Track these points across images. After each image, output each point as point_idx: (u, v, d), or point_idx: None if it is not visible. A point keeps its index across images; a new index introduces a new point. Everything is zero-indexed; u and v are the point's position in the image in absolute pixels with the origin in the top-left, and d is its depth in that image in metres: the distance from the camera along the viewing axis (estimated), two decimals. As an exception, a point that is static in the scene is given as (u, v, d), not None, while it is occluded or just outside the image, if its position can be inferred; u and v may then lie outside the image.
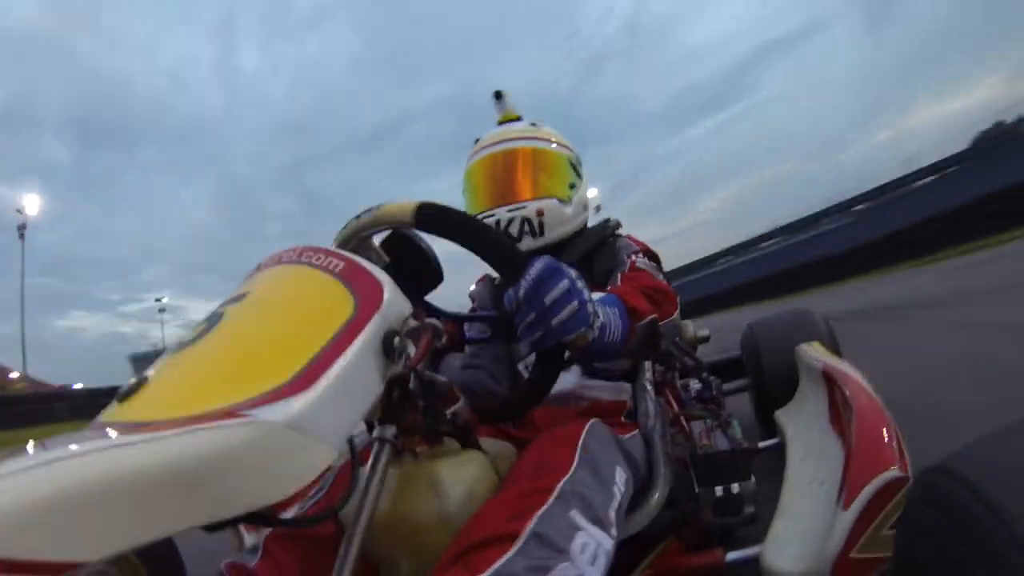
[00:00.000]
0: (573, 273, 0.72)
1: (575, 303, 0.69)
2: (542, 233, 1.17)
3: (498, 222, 1.17)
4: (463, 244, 0.74)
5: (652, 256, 1.18)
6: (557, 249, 1.20)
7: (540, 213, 1.17)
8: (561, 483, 0.67)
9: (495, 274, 1.33)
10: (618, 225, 1.30)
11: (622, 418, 1.03)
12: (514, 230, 1.17)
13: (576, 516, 0.65)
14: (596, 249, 1.22)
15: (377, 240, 0.82)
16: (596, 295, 0.81)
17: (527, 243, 1.17)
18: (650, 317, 0.89)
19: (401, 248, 0.81)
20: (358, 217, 0.79)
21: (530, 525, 0.60)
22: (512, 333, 0.74)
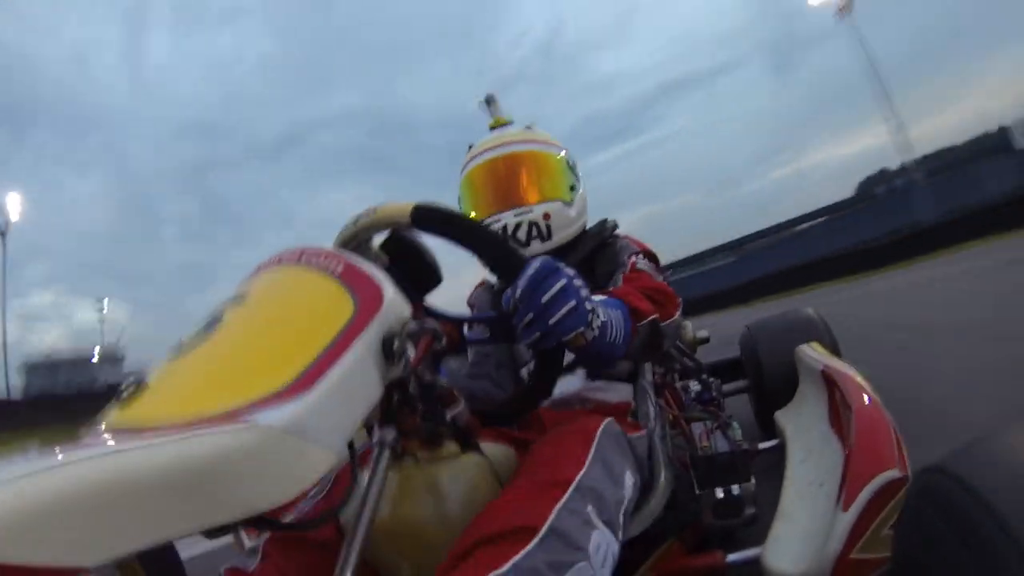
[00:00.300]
0: (571, 272, 0.71)
1: (572, 302, 0.68)
2: (550, 236, 1.17)
3: (505, 227, 1.16)
4: (460, 244, 0.74)
5: (651, 257, 1.18)
6: (562, 252, 1.19)
7: (547, 216, 1.16)
8: (578, 477, 0.67)
9: (493, 279, 1.33)
10: (616, 226, 1.29)
11: (628, 418, 1.03)
12: (522, 234, 1.16)
13: (592, 513, 0.64)
14: (596, 251, 1.22)
15: (376, 242, 0.83)
16: (598, 297, 0.81)
17: (535, 247, 1.17)
18: (651, 317, 0.89)
19: (400, 250, 0.81)
20: (356, 219, 0.79)
21: (550, 519, 0.59)
22: (511, 334, 0.74)
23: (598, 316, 0.73)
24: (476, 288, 1.38)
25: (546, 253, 1.15)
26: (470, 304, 1.37)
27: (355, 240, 0.80)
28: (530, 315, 0.68)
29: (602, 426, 0.80)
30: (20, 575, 0.30)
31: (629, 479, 0.78)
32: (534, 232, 1.16)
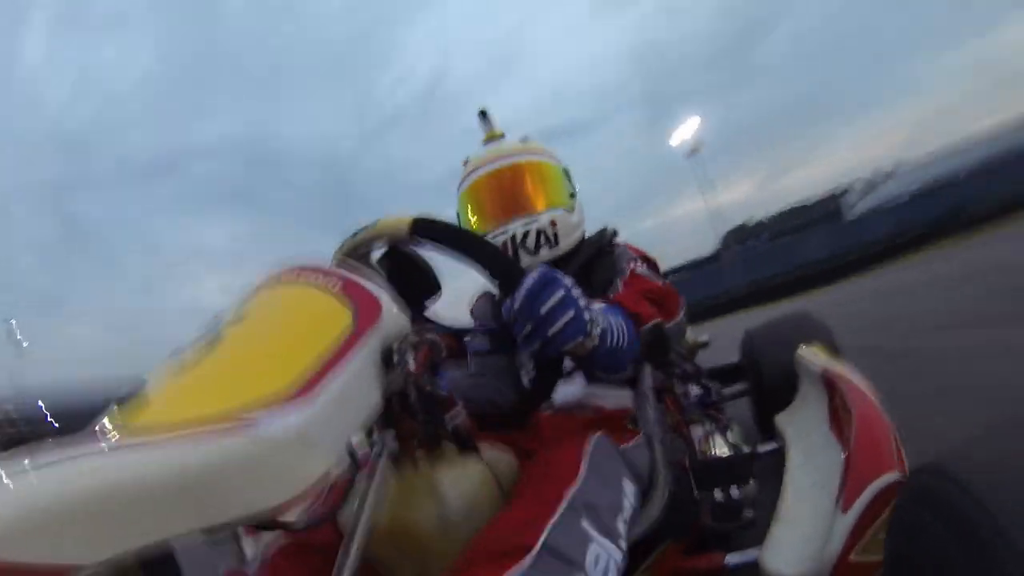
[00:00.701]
0: (569, 282, 0.71)
1: (571, 312, 0.69)
2: (557, 243, 1.18)
3: (513, 236, 1.16)
4: (458, 256, 0.75)
5: (650, 263, 1.19)
6: (564, 259, 1.20)
7: (553, 223, 1.17)
8: (570, 492, 0.67)
9: (494, 289, 1.33)
10: (615, 233, 1.30)
11: (627, 424, 1.03)
12: (530, 242, 1.16)
13: (587, 526, 0.65)
14: (594, 259, 1.22)
15: (375, 256, 0.84)
16: (598, 304, 0.82)
17: (544, 254, 1.17)
18: (654, 321, 0.89)
19: (398, 263, 0.82)
20: (355, 234, 0.80)
21: (542, 537, 0.60)
22: (512, 345, 0.74)
23: (597, 324, 0.73)
24: (478, 299, 1.38)
25: (551, 260, 1.17)
26: (472, 313, 1.37)
27: (355, 253, 0.81)
28: (529, 326, 0.69)
29: (593, 440, 0.81)
30: (20, 573, 0.30)
31: (628, 487, 0.78)
32: (542, 239, 1.17)
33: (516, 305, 0.69)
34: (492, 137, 1.36)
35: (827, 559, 0.71)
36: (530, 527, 0.61)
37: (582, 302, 0.71)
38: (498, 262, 0.73)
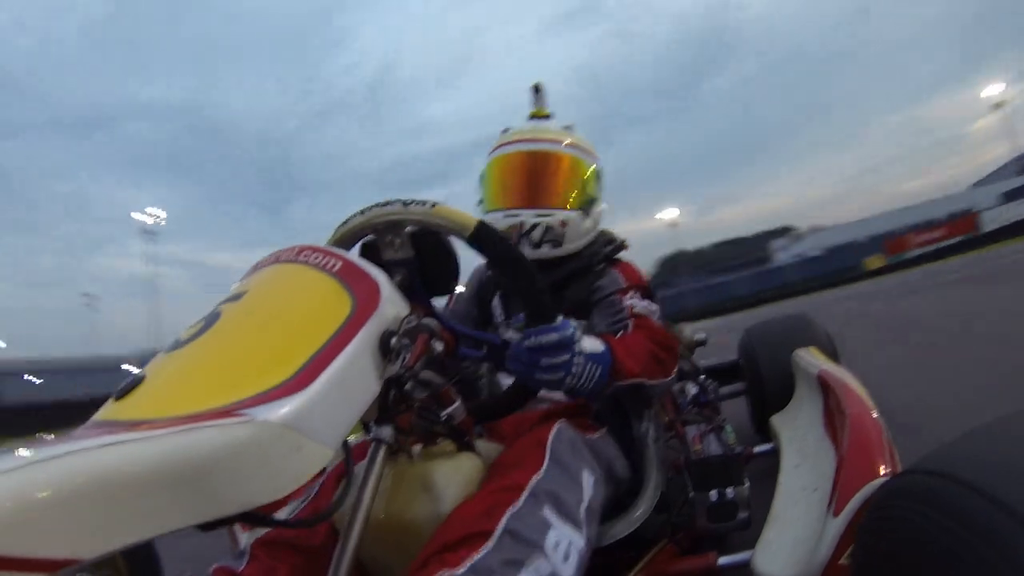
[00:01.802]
0: (576, 345, 0.77)
1: (560, 375, 0.76)
2: (561, 244, 1.17)
3: (522, 224, 1.16)
4: (504, 274, 0.78)
5: (645, 291, 1.15)
6: (562, 261, 1.19)
7: (564, 224, 1.16)
8: (532, 481, 0.69)
9: (487, 270, 1.33)
10: (620, 247, 1.27)
11: (588, 420, 1.03)
12: (536, 235, 1.16)
13: (548, 513, 0.66)
14: (580, 273, 1.20)
15: (408, 229, 0.81)
16: (594, 344, 0.84)
17: (545, 251, 1.17)
18: (635, 381, 0.90)
19: (429, 246, 0.80)
20: (407, 204, 0.77)
21: (503, 522, 0.61)
22: (501, 360, 0.80)
23: (575, 378, 0.78)
24: (477, 267, 1.37)
25: (552, 260, 1.16)
26: (470, 280, 1.35)
27: (397, 224, 0.79)
28: (522, 365, 0.76)
29: (554, 430, 0.82)
30: (16, 567, 0.30)
31: (588, 477, 0.79)
32: (548, 236, 1.16)
33: (528, 345, 0.75)
34: (538, 115, 1.32)
35: (817, 562, 0.72)
36: (491, 514, 0.62)
37: (574, 366, 0.77)
38: (540, 301, 0.77)
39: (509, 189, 1.21)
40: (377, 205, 0.79)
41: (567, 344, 0.75)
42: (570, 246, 1.18)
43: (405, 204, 0.77)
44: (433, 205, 0.76)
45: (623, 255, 1.27)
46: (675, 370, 1.01)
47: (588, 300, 1.16)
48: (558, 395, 1.05)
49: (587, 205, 1.21)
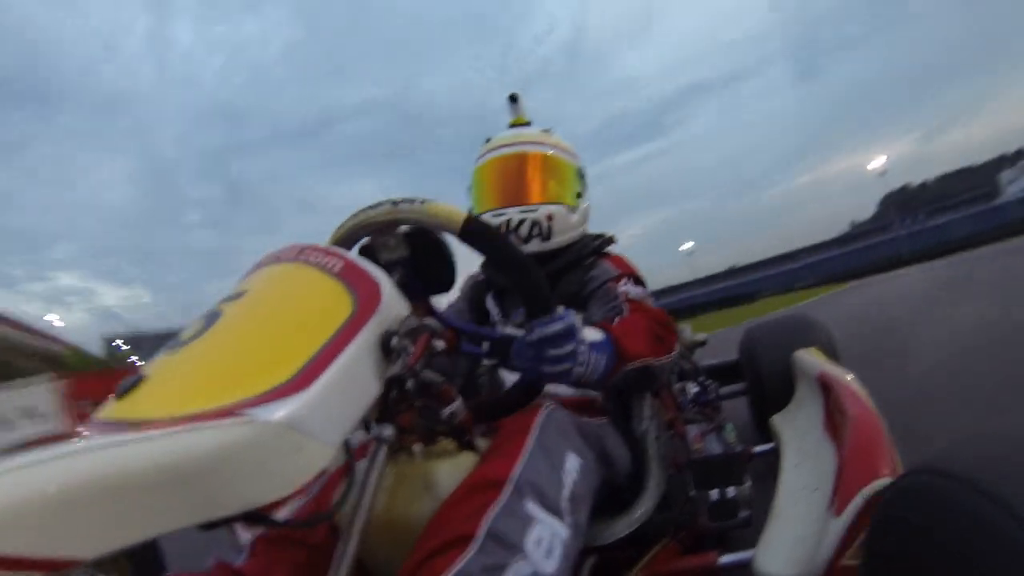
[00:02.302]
0: (578, 332, 0.76)
1: (568, 365, 0.75)
2: (550, 237, 1.19)
3: (508, 221, 1.18)
4: (499, 267, 0.76)
5: (637, 280, 1.16)
6: (553, 255, 1.20)
7: (550, 217, 1.18)
8: (513, 473, 0.68)
9: (481, 276, 1.34)
10: (610, 241, 1.29)
11: (587, 412, 1.03)
12: (524, 231, 1.18)
13: (531, 506, 0.65)
14: (573, 265, 1.22)
15: (401, 229, 0.81)
16: (594, 333, 0.83)
17: (535, 245, 1.18)
18: (641, 362, 0.90)
19: (424, 245, 0.80)
20: (396, 204, 0.76)
21: (484, 524, 0.60)
22: (506, 356, 0.79)
23: (580, 366, 0.78)
24: (468, 276, 1.39)
25: (543, 253, 1.17)
26: (462, 291, 1.36)
27: (389, 225, 0.78)
28: (530, 359, 0.75)
29: (542, 413, 0.81)
30: (16, 566, 0.30)
31: (572, 461, 0.77)
32: (535, 231, 1.18)
33: (533, 339, 0.74)
34: (517, 123, 1.37)
35: (819, 562, 0.72)
36: (473, 515, 0.62)
37: (581, 354, 0.76)
38: (538, 291, 0.76)
39: (494, 191, 1.24)
40: (368, 207, 0.78)
41: (571, 333, 0.74)
42: (559, 239, 1.20)
43: (395, 204, 0.77)
44: (423, 202, 0.75)
45: (611, 249, 1.29)
46: (676, 347, 1.01)
47: (580, 293, 1.17)
48: (563, 390, 1.05)
49: (572, 200, 1.24)
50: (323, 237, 0.80)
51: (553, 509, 0.67)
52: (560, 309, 0.76)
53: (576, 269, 1.21)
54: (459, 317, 1.28)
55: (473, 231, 0.74)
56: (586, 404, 1.05)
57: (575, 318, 0.76)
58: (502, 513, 0.62)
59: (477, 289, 1.31)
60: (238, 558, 0.72)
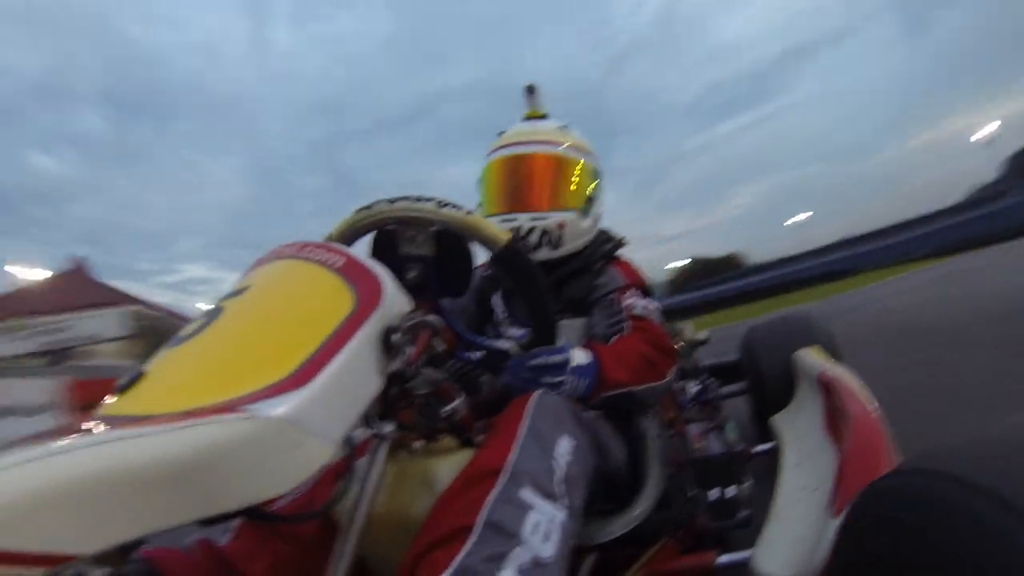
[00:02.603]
0: (570, 369, 0.87)
1: (557, 388, 0.84)
2: (559, 246, 1.18)
3: (519, 229, 1.16)
4: (522, 292, 0.82)
5: (645, 291, 1.16)
6: (561, 262, 1.20)
7: (561, 226, 1.17)
8: (508, 461, 0.67)
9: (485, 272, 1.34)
10: (616, 247, 1.27)
11: None
12: (534, 238, 1.16)
13: (526, 493, 0.65)
14: (579, 273, 1.21)
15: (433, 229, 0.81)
16: (583, 356, 0.91)
17: (544, 253, 1.17)
18: (623, 390, 0.95)
19: (450, 249, 0.80)
20: (443, 206, 0.77)
21: (482, 515, 0.60)
22: (498, 368, 0.86)
23: (566, 385, 0.88)
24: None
25: (552, 261, 1.17)
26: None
27: (427, 224, 0.79)
28: (521, 382, 0.84)
29: (533, 399, 0.80)
30: (15, 561, 0.30)
31: (565, 443, 0.77)
32: (545, 240, 1.16)
33: (533, 364, 0.84)
34: (532, 116, 1.33)
35: (817, 562, 0.72)
36: (471, 506, 0.61)
37: (567, 383, 0.87)
38: (550, 325, 0.85)
39: (504, 194, 1.22)
40: (409, 198, 0.79)
41: (566, 366, 0.85)
42: (569, 246, 1.19)
43: (440, 205, 0.77)
44: (468, 212, 0.77)
45: (622, 252, 1.28)
46: (671, 372, 1.02)
47: (586, 299, 1.16)
48: None
49: (585, 205, 1.21)
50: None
51: (548, 494, 0.67)
52: (562, 340, 0.84)
53: (584, 274, 1.20)
54: (464, 314, 1.28)
55: (512, 255, 0.78)
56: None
57: (571, 354, 0.86)
58: (498, 502, 0.62)
59: (483, 285, 1.30)
60: (221, 537, 0.72)
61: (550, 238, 1.16)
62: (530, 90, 1.34)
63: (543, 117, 1.33)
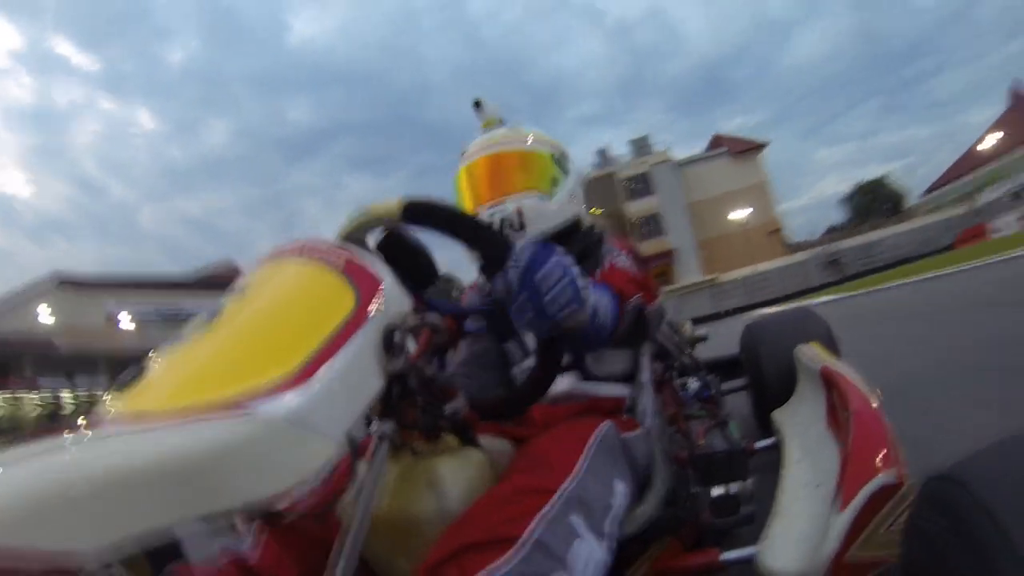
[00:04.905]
0: (560, 250, 0.72)
1: (566, 279, 0.70)
2: (523, 228, 1.18)
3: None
4: (450, 235, 0.75)
5: (635, 256, 1.19)
6: (556, 241, 1.19)
7: (519, 211, 1.18)
8: (565, 485, 0.67)
9: (482, 280, 1.34)
10: (601, 232, 1.31)
11: (624, 415, 1.04)
12: (495, 227, 1.17)
13: (576, 523, 0.64)
14: (586, 253, 1.21)
15: (370, 242, 0.82)
16: (582, 281, 0.82)
17: (513, 239, 1.18)
18: (636, 299, 0.91)
19: (395, 249, 0.80)
20: (350, 217, 0.79)
21: (532, 530, 0.59)
22: (507, 322, 0.76)
23: (590, 295, 0.74)
24: (469, 290, 1.39)
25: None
26: (473, 289, 1.38)
27: (351, 239, 0.79)
28: (524, 295, 0.70)
29: (600, 430, 0.80)
30: (20, 559, 0.30)
31: (620, 486, 0.77)
32: (507, 225, 1.17)
33: (511, 275, 0.70)
34: (489, 124, 1.36)
35: (823, 557, 0.72)
36: (519, 518, 0.61)
37: (575, 270, 0.72)
38: (490, 237, 0.73)
39: (466, 199, 1.26)
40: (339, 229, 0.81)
41: (550, 253, 0.70)
42: (538, 227, 1.19)
43: (349, 219, 0.78)
44: (365, 208, 0.77)
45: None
46: (659, 301, 1.03)
47: (596, 269, 1.17)
48: (593, 390, 1.06)
49: (547, 187, 1.23)
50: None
51: (597, 530, 0.67)
52: (519, 244, 0.73)
53: (592, 252, 1.21)
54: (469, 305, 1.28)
55: (411, 211, 0.74)
56: (621, 405, 1.05)
57: (540, 241, 0.73)
58: (550, 522, 0.61)
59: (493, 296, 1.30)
60: (249, 551, 0.72)
61: (511, 223, 1.17)
62: (477, 104, 1.37)
63: (498, 123, 1.36)
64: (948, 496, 0.48)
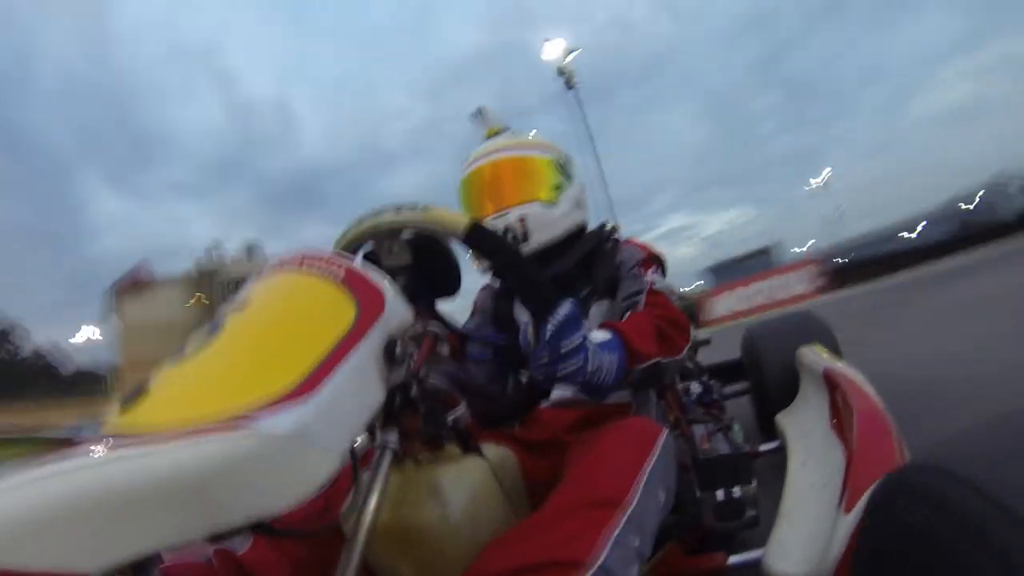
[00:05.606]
0: (582, 322, 0.75)
1: (582, 357, 0.74)
2: (527, 238, 1.17)
3: None
4: (500, 272, 0.77)
5: (662, 267, 1.16)
6: (551, 252, 1.19)
7: (521, 220, 1.17)
8: (629, 498, 0.65)
9: (496, 284, 1.34)
10: (614, 230, 1.29)
11: (648, 417, 1.03)
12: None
13: (636, 542, 0.63)
14: (594, 253, 1.21)
15: (404, 236, 0.80)
16: (601, 335, 0.82)
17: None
18: (653, 361, 0.88)
19: (427, 251, 0.80)
20: (399, 210, 0.76)
21: (600, 555, 0.57)
22: (515, 361, 0.76)
23: (595, 366, 0.76)
24: (482, 290, 1.39)
25: (531, 253, 1.16)
26: (475, 303, 1.37)
27: (392, 231, 0.78)
28: (545, 357, 0.73)
29: (663, 436, 0.78)
30: None
31: (663, 496, 0.76)
32: (510, 236, 1.16)
33: (545, 336, 0.73)
34: (492, 133, 1.35)
35: (831, 559, 0.71)
36: (582, 539, 0.59)
37: (589, 346, 0.75)
38: (540, 289, 0.75)
39: (469, 208, 1.25)
40: (372, 213, 0.78)
41: (578, 319, 0.74)
42: (543, 236, 1.18)
43: (397, 210, 0.76)
44: (425, 208, 0.75)
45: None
46: (685, 348, 1.00)
47: (616, 276, 1.16)
48: (573, 392, 1.05)
49: (551, 196, 1.21)
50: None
51: (643, 551, 0.65)
52: (588, 322, 0.75)
53: (603, 253, 1.20)
54: (479, 331, 1.27)
55: (476, 234, 0.73)
56: (626, 409, 1.05)
57: (575, 308, 0.75)
58: (617, 545, 0.60)
59: (498, 299, 1.29)
60: (239, 547, 0.72)
61: (514, 233, 1.17)
62: (479, 113, 1.37)
63: (501, 131, 1.36)
64: (926, 484, 0.49)
